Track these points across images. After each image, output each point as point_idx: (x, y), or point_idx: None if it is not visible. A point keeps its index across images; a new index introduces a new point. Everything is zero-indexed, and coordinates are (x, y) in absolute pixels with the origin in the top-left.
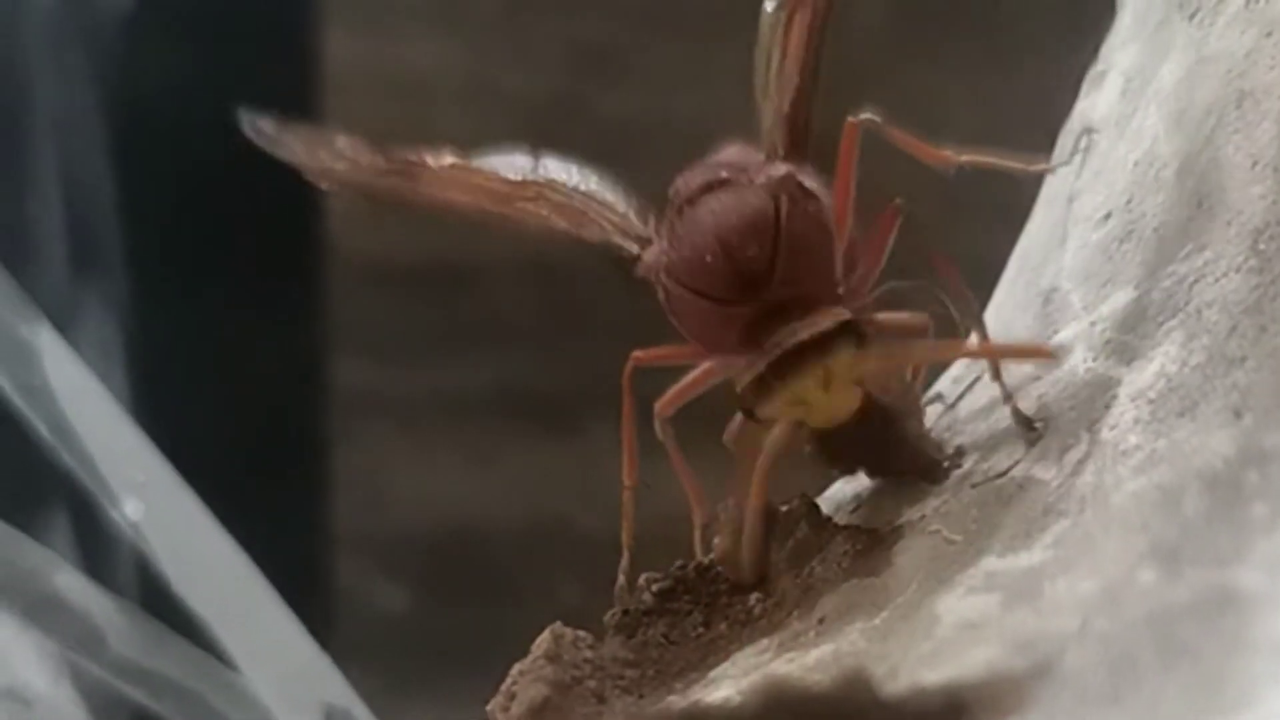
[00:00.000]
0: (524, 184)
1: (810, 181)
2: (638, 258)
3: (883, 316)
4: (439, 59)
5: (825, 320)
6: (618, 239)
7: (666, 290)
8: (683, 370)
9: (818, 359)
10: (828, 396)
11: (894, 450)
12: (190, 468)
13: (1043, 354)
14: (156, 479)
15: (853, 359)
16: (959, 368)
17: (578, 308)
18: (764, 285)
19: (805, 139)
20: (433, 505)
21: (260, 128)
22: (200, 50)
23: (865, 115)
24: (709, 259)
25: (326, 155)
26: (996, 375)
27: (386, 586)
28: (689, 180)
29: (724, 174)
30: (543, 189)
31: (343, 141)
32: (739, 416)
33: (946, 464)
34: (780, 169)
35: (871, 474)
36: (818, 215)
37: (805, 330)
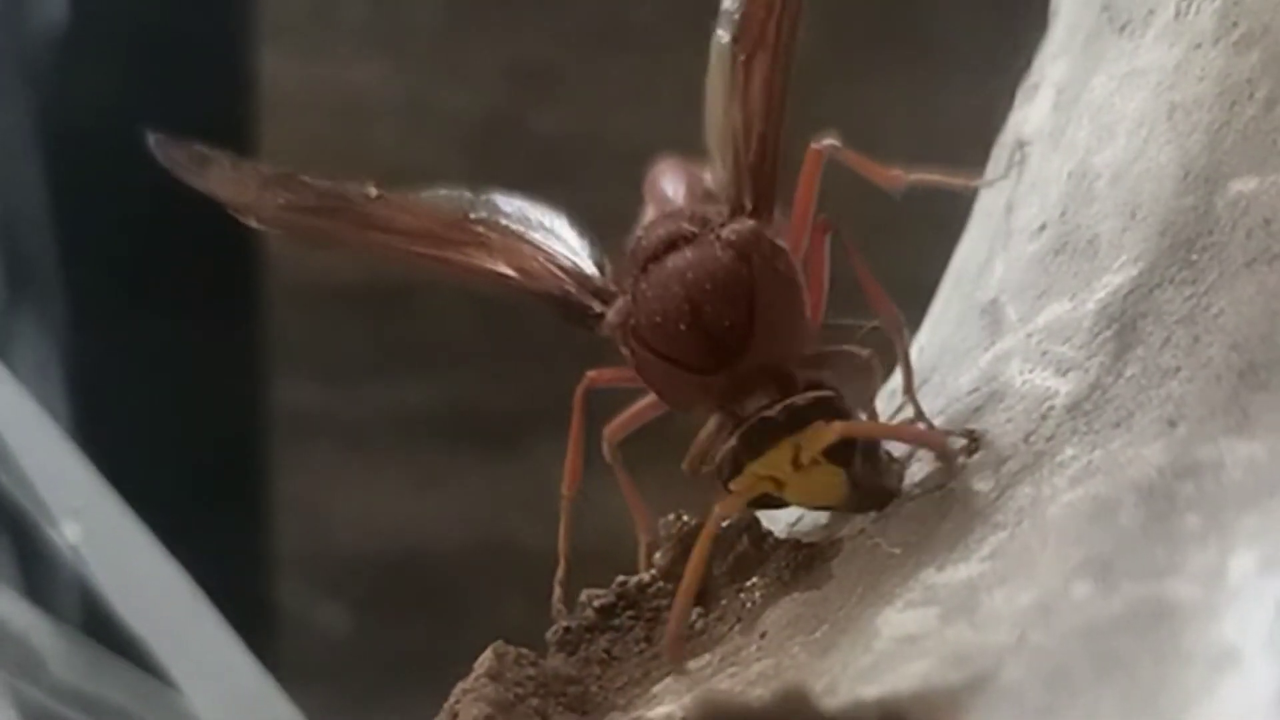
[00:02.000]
0: (463, 223)
1: (773, 232)
2: (599, 316)
3: (834, 351)
4: (376, 79)
5: (800, 397)
6: (574, 292)
7: (634, 353)
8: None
9: (786, 435)
10: (802, 476)
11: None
12: (132, 491)
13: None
14: (96, 502)
15: (823, 436)
16: (896, 381)
17: (522, 327)
18: (740, 353)
19: (773, 190)
20: (376, 526)
21: (175, 157)
22: (135, 71)
23: (827, 141)
24: (682, 327)
25: (249, 189)
26: (919, 414)
27: (330, 607)
28: (650, 232)
29: (688, 227)
30: (486, 230)
31: (266, 174)
32: (698, 442)
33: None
34: (747, 224)
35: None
36: (788, 273)
37: (777, 406)
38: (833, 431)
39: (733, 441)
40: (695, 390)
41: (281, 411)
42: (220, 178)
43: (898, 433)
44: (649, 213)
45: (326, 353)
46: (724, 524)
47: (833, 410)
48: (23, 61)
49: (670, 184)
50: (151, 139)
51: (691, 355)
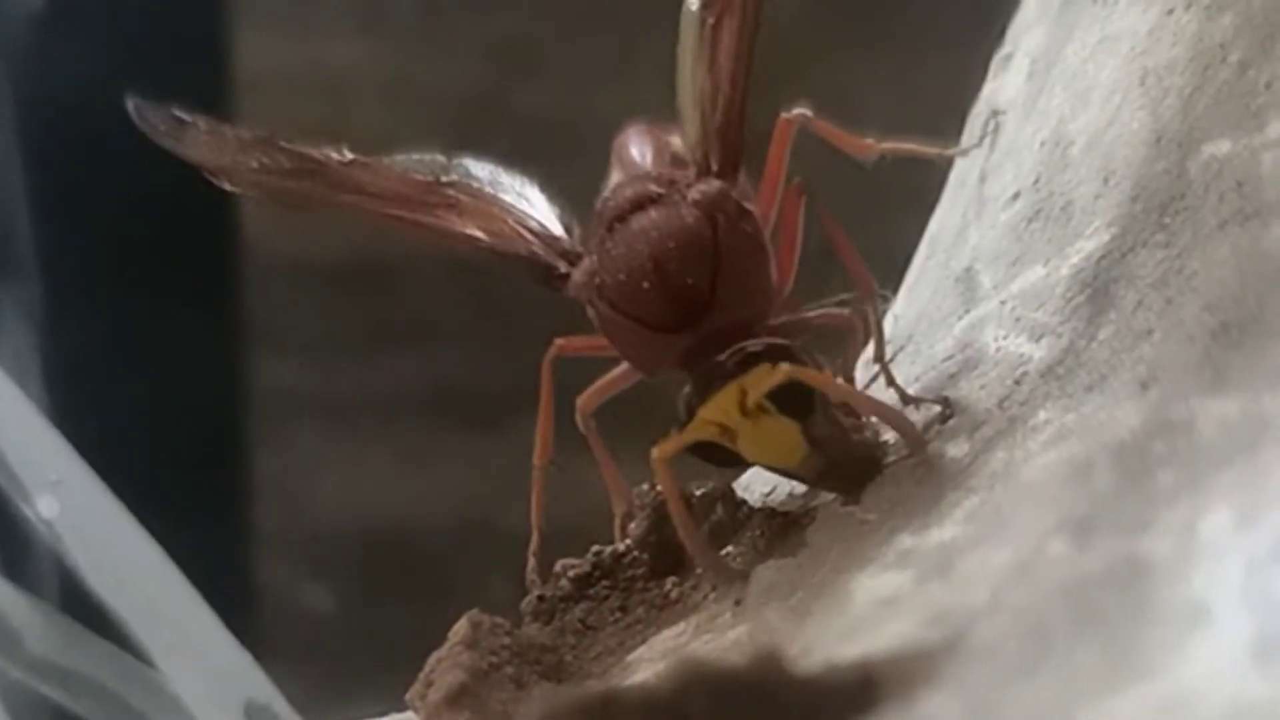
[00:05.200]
0: (436, 186)
1: (741, 195)
2: (565, 276)
3: (809, 315)
4: (357, 57)
5: (753, 343)
6: (542, 253)
7: (599, 312)
8: (606, 362)
9: (731, 378)
10: (753, 425)
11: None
12: (113, 470)
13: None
14: (71, 476)
15: (769, 377)
16: (871, 351)
17: (504, 305)
18: (703, 312)
19: (739, 152)
20: (358, 504)
21: (153, 121)
22: (114, 51)
23: (798, 111)
24: (646, 286)
25: (226, 152)
26: (891, 381)
27: (312, 586)
28: (618, 194)
29: (654, 188)
30: (458, 194)
31: (243, 138)
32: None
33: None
34: (714, 185)
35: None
36: (754, 234)
37: (729, 351)
38: (779, 373)
39: (686, 388)
40: (659, 349)
41: (263, 390)
42: (196, 141)
43: (855, 398)
44: (616, 176)
45: (308, 332)
46: (699, 492)
47: (786, 356)
48: (0, 44)
49: (638, 148)
50: (130, 103)
51: (655, 313)
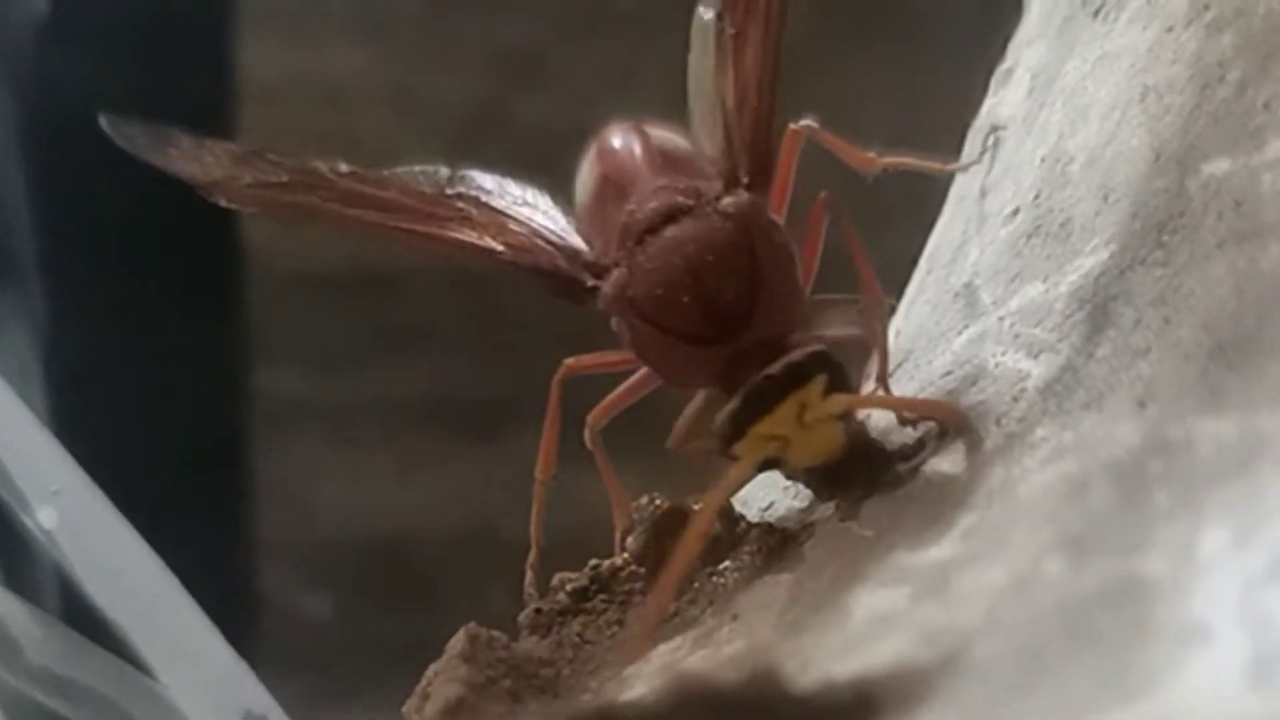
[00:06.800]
0: (442, 198)
1: (769, 207)
2: (592, 290)
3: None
4: (360, 66)
5: (797, 353)
6: (565, 266)
7: (632, 326)
8: (614, 378)
9: (791, 392)
10: (807, 433)
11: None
12: (115, 479)
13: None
14: (71, 487)
15: (826, 389)
16: (871, 367)
17: (506, 314)
18: (743, 326)
19: (769, 164)
20: (358, 513)
21: (131, 137)
22: (118, 60)
23: (805, 122)
24: (685, 299)
25: (219, 167)
26: (901, 406)
27: (312, 595)
28: (644, 204)
29: (683, 200)
30: (467, 205)
31: (234, 151)
32: (684, 417)
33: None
34: (744, 197)
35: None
36: (785, 246)
37: (777, 364)
38: (839, 403)
39: (734, 403)
40: (694, 364)
41: (264, 399)
42: (184, 157)
43: (900, 403)
44: (593, 173)
45: (309, 340)
46: (697, 506)
47: (829, 363)
48: (3, 51)
49: (623, 144)
50: (104, 120)
51: (694, 327)
